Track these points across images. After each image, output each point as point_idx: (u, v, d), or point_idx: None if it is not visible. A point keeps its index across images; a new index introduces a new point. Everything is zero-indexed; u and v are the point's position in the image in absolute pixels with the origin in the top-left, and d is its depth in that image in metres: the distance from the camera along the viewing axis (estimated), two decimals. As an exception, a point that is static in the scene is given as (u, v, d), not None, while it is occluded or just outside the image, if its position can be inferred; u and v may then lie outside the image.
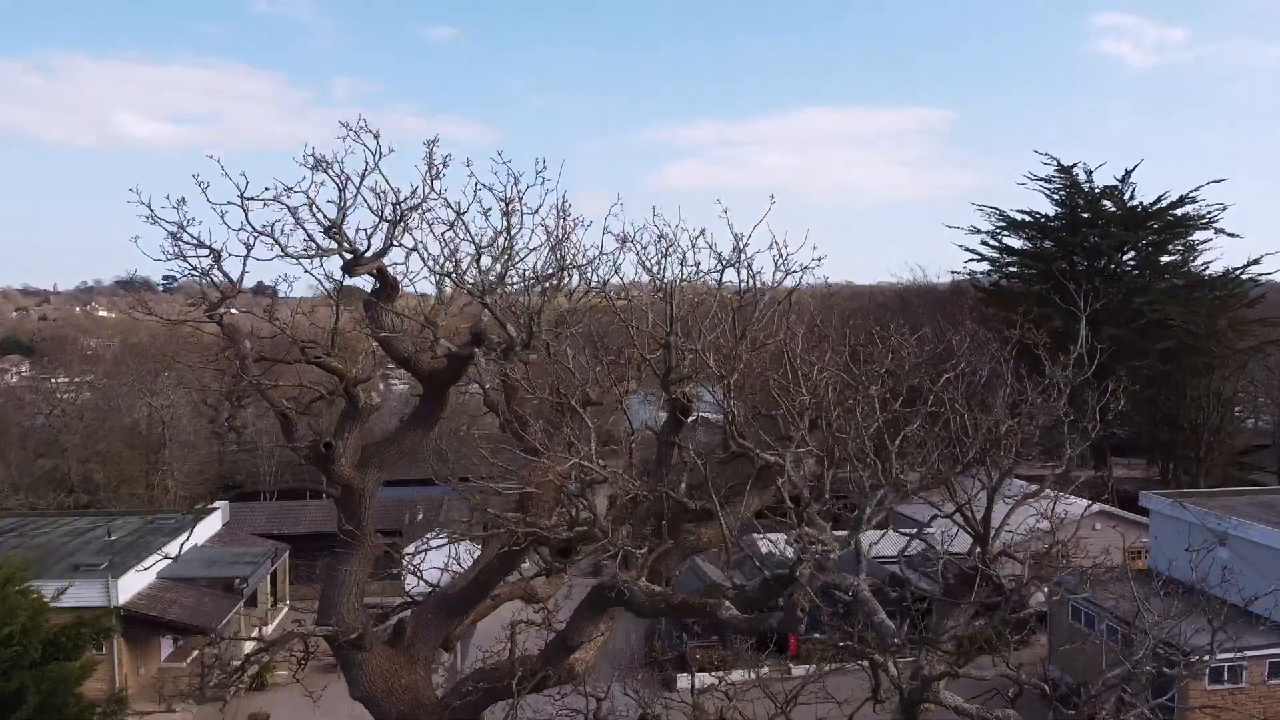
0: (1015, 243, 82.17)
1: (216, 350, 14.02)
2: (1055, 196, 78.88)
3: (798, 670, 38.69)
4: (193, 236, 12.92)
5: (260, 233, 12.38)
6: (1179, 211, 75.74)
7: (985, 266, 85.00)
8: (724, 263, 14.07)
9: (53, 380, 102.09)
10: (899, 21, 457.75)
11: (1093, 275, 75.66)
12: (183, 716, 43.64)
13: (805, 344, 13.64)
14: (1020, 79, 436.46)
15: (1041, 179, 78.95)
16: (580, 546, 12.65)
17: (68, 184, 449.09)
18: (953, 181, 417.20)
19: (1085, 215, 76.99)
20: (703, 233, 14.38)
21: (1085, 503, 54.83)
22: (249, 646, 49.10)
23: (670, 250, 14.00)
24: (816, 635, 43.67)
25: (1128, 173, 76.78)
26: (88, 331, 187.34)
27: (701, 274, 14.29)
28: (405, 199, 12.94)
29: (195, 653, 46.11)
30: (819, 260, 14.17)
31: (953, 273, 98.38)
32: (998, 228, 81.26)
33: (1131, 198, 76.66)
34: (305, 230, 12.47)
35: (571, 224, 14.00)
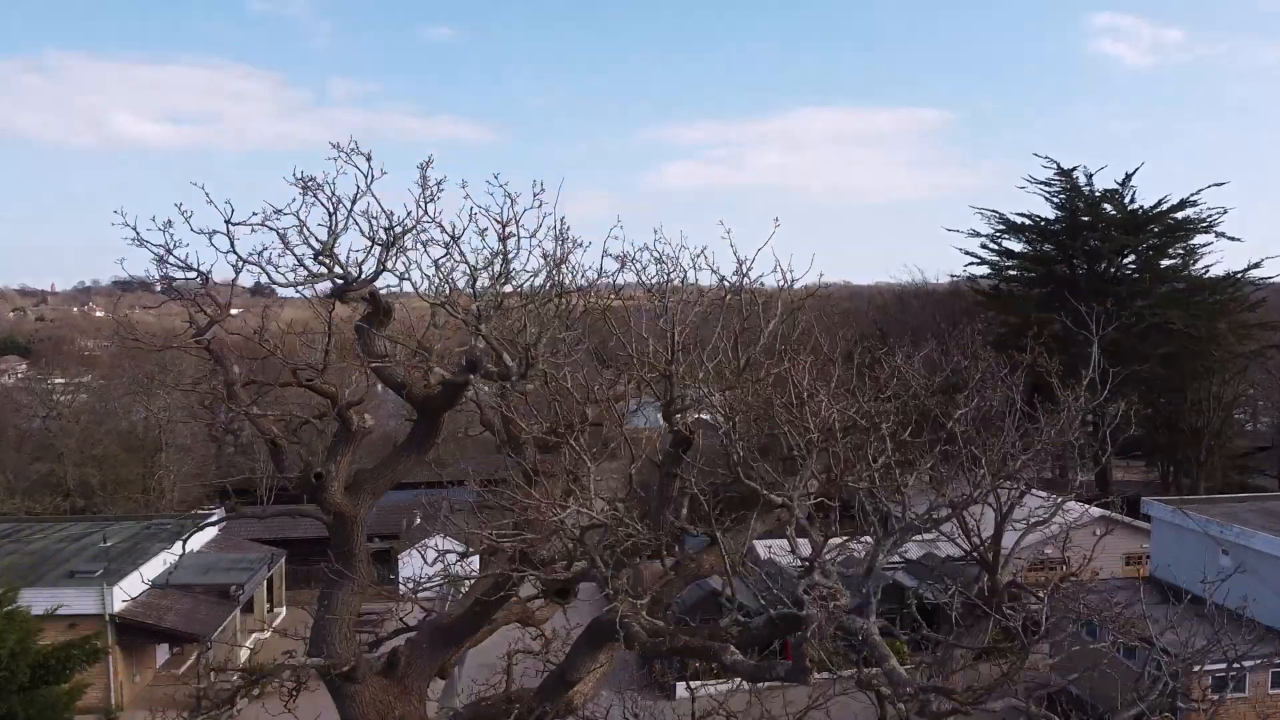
0: (1015, 246, 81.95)
1: (205, 373, 13.72)
2: (1055, 200, 78.65)
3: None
4: (179, 259, 12.65)
5: (247, 261, 12.10)
6: (1179, 215, 75.54)
7: (985, 270, 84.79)
8: (727, 289, 13.78)
9: (50, 381, 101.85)
10: (896, 22, 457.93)
11: (1093, 279, 75.50)
12: (177, 726, 43.31)
13: (810, 372, 13.30)
14: (1018, 79, 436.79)
15: (1041, 182, 78.79)
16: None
17: (65, 184, 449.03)
18: (951, 182, 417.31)
19: (1085, 219, 76.75)
20: (703, 251, 14.11)
21: (1086, 508, 54.58)
22: (245, 654, 49.00)
23: (670, 275, 13.71)
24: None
25: (1128, 176, 76.65)
26: (85, 332, 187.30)
27: (702, 301, 13.99)
28: (398, 223, 12.65)
29: (190, 660, 45.89)
30: (822, 284, 13.86)
31: (952, 276, 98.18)
32: (998, 231, 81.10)
33: (1132, 201, 76.47)
34: (295, 255, 12.19)
35: (570, 245, 13.72)
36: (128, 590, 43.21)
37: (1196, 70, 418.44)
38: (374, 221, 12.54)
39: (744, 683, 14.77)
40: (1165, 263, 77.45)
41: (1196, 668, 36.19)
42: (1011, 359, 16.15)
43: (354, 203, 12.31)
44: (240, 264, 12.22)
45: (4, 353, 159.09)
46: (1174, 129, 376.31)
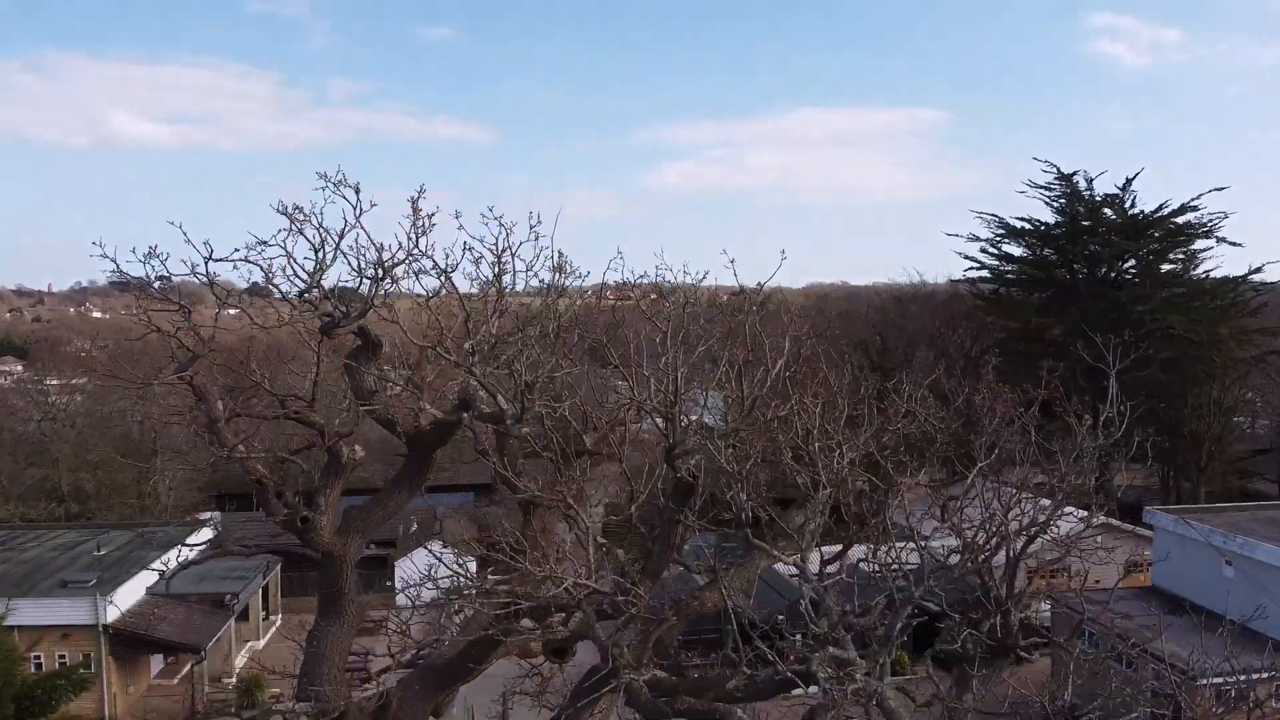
0: (1015, 250, 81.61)
1: (189, 408, 13.35)
2: (1055, 205, 78.34)
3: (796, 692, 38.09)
4: (160, 292, 12.26)
5: (227, 304, 11.71)
6: (1180, 220, 75.25)
7: (985, 274, 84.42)
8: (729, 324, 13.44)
9: (46, 383, 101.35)
10: (893, 22, 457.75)
11: (1093, 284, 75.19)
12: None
13: (816, 409, 12.93)
14: (1016, 79, 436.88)
15: (1041, 187, 78.45)
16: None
17: (63, 184, 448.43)
18: (949, 182, 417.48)
19: (1086, 224, 76.43)
20: (705, 276, 13.74)
21: (1087, 515, 53.96)
22: (241, 662, 48.66)
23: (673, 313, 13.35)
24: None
25: (1128, 181, 76.34)
26: (81, 333, 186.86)
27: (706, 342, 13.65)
28: (389, 257, 12.29)
29: (184, 670, 45.52)
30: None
31: (951, 279, 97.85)
32: (997, 235, 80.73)
33: (1132, 206, 76.18)
34: (279, 291, 11.82)
35: (567, 273, 13.34)
36: (121, 600, 42.87)
37: (1195, 70, 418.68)
38: (363, 256, 12.21)
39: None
40: (1166, 268, 77.19)
41: (1201, 681, 35.96)
42: (1026, 393, 15.82)
43: (341, 236, 11.97)
44: (224, 300, 11.85)
45: (1, 354, 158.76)
46: (1173, 129, 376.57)
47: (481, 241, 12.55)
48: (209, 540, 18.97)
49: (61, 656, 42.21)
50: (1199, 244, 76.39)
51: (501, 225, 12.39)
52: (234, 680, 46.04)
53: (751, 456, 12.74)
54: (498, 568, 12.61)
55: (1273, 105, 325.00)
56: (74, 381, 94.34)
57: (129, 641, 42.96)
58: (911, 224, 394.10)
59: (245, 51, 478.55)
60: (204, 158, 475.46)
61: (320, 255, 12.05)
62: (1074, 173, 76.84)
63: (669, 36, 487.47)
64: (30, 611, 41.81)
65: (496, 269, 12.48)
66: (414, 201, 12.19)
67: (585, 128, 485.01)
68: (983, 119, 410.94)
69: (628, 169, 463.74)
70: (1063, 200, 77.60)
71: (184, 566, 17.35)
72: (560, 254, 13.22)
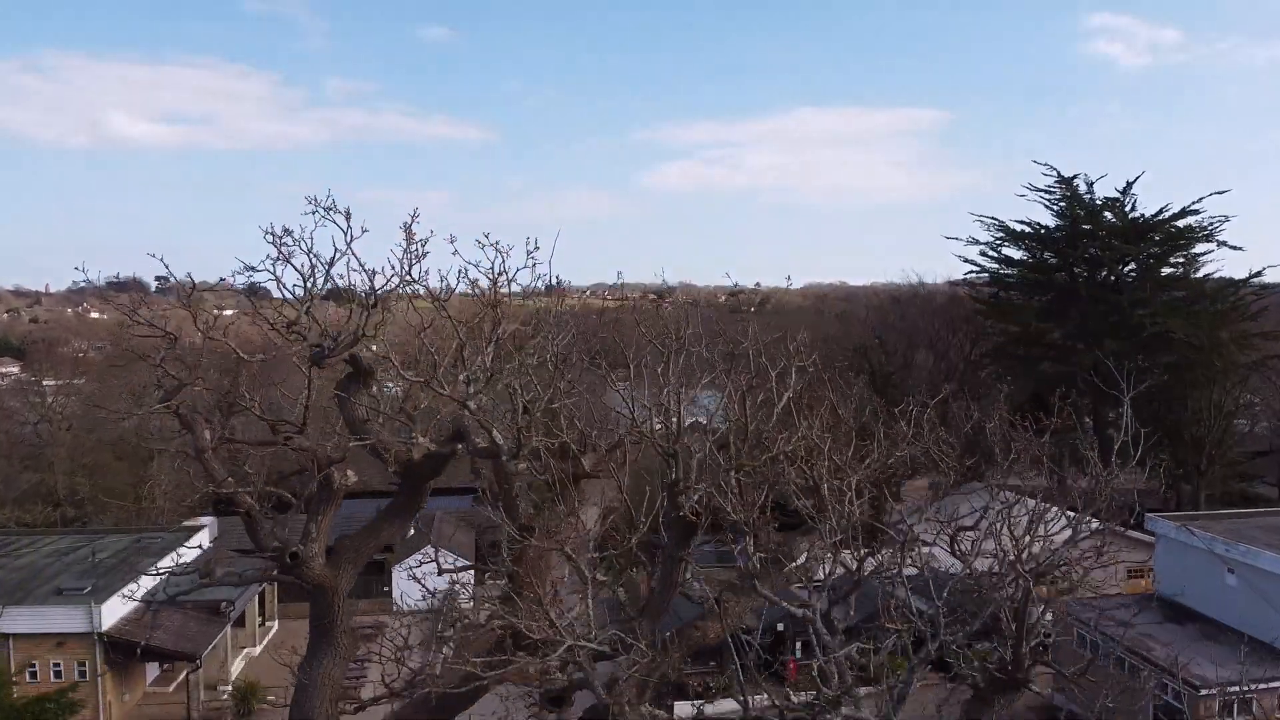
0: (1015, 253, 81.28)
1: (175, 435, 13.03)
2: (1055, 208, 78.01)
3: (797, 698, 37.80)
4: (145, 319, 11.97)
5: (210, 338, 11.43)
6: (1180, 223, 74.95)
7: (984, 277, 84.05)
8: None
9: (43, 384, 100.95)
10: (891, 22, 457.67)
11: (1093, 287, 74.86)
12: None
13: (822, 433, 12.66)
14: (1014, 80, 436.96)
15: (1041, 190, 78.12)
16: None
17: (61, 184, 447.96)
18: (947, 182, 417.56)
19: (1086, 227, 76.10)
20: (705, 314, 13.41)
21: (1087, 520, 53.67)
22: (237, 669, 48.37)
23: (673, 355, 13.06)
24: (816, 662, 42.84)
25: (1129, 184, 76.02)
26: (79, 334, 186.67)
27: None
28: (381, 285, 11.99)
29: (180, 678, 45.23)
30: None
31: (951, 282, 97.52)
32: (997, 239, 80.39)
33: (1133, 209, 75.85)
34: (268, 321, 11.50)
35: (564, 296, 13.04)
36: (116, 608, 42.54)
37: (1194, 71, 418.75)
38: (353, 286, 11.92)
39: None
40: (1166, 271, 76.88)
41: (1205, 691, 35.63)
42: (1038, 420, 15.57)
43: (331, 264, 11.69)
44: (208, 332, 11.56)
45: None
46: (1172, 129, 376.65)
47: (478, 266, 12.29)
48: (199, 570, 18.69)
49: (56, 665, 41.96)
50: (1199, 247, 76.15)
51: (498, 250, 12.12)
52: (230, 688, 45.75)
53: (757, 500, 12.48)
54: (493, 600, 12.30)
55: (1272, 105, 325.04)
56: (71, 382, 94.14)
57: (124, 649, 42.63)
58: (910, 224, 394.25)
59: (243, 51, 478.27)
60: (202, 158, 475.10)
61: (309, 285, 11.78)
62: (1074, 176, 76.64)
63: (667, 36, 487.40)
64: (25, 619, 41.56)
65: (493, 294, 12.19)
66: (407, 227, 11.91)
67: (584, 127, 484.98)
68: (981, 119, 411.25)
69: (626, 169, 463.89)
70: (1063, 203, 77.29)
71: (172, 599, 17.01)
72: (558, 280, 12.96)
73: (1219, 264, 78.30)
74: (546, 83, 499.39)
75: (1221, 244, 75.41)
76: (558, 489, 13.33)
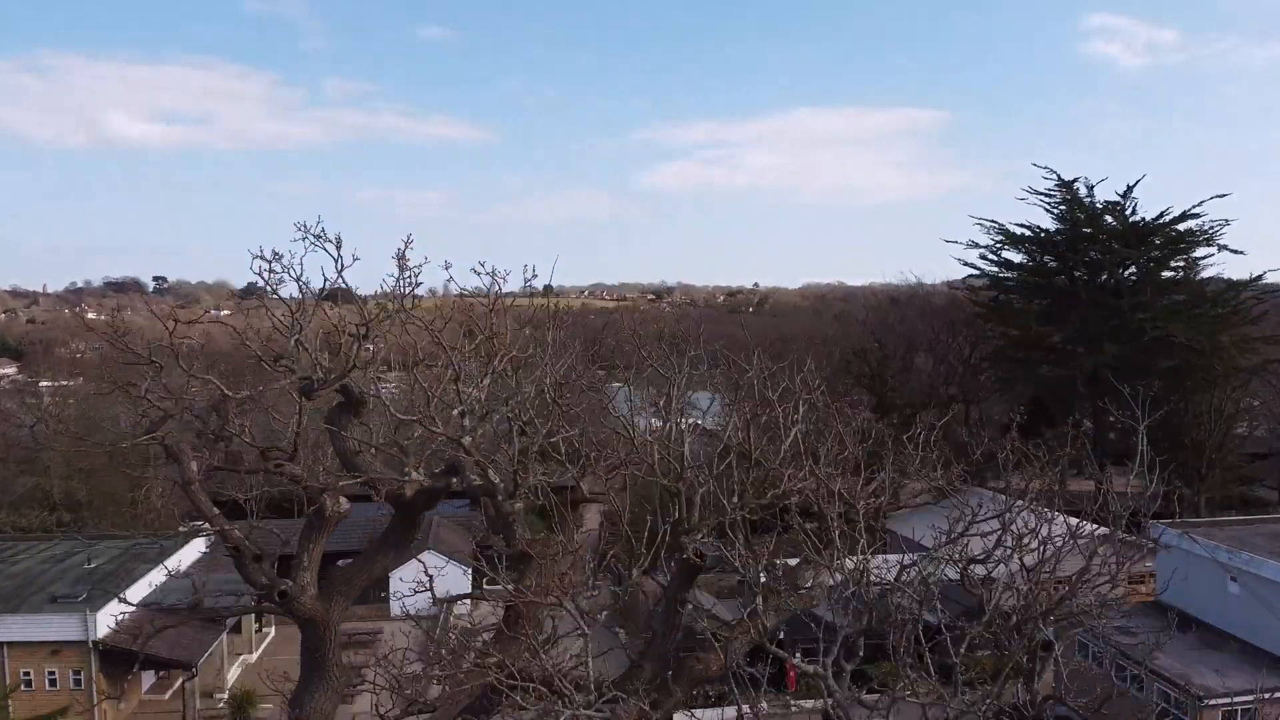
0: (1015, 257, 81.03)
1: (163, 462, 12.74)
2: (1056, 211, 77.75)
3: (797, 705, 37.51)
4: (130, 348, 11.69)
5: (193, 376, 11.15)
6: (1181, 227, 74.71)
7: (984, 281, 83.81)
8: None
9: (40, 384, 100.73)
10: (890, 22, 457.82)
11: (1094, 291, 74.60)
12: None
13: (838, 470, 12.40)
14: (1013, 80, 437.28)
15: (1042, 193, 77.84)
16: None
17: (58, 184, 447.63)
18: (945, 182, 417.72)
19: (1086, 230, 75.86)
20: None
21: (1088, 525, 53.36)
22: (233, 676, 48.06)
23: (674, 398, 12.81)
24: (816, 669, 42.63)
25: (1129, 188, 75.82)
26: (76, 334, 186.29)
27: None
28: (371, 314, 11.69)
29: (175, 686, 44.91)
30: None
31: (950, 285, 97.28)
32: (997, 242, 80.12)
33: (1133, 213, 75.61)
34: (256, 351, 11.21)
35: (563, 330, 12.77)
36: (111, 615, 42.22)
37: (1192, 71, 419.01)
38: (343, 318, 11.62)
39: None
40: (1166, 275, 76.65)
41: (1209, 701, 35.33)
42: (1045, 443, 15.31)
43: (321, 293, 11.38)
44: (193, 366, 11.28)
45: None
46: (1170, 129, 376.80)
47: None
48: (188, 602, 18.39)
49: (51, 673, 41.69)
50: (1200, 251, 75.95)
51: (494, 279, 11.84)
52: (226, 696, 45.45)
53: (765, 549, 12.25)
54: (488, 629, 12.04)
55: (1271, 105, 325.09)
56: (68, 384, 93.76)
57: (120, 658, 42.32)
58: (908, 224, 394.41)
59: (242, 52, 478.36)
60: (201, 158, 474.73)
61: (296, 321, 11.49)
62: (1075, 179, 76.41)
63: (665, 37, 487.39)
64: (20, 628, 41.32)
65: (489, 325, 11.92)
66: (400, 255, 11.63)
67: (582, 127, 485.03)
68: (980, 119, 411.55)
69: (625, 169, 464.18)
70: (1063, 207, 77.05)
71: (158, 631, 16.74)
72: (555, 307, 12.66)
73: (1220, 267, 77.86)
74: (545, 83, 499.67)
75: (1222, 248, 75.32)
76: (555, 516, 13.07)
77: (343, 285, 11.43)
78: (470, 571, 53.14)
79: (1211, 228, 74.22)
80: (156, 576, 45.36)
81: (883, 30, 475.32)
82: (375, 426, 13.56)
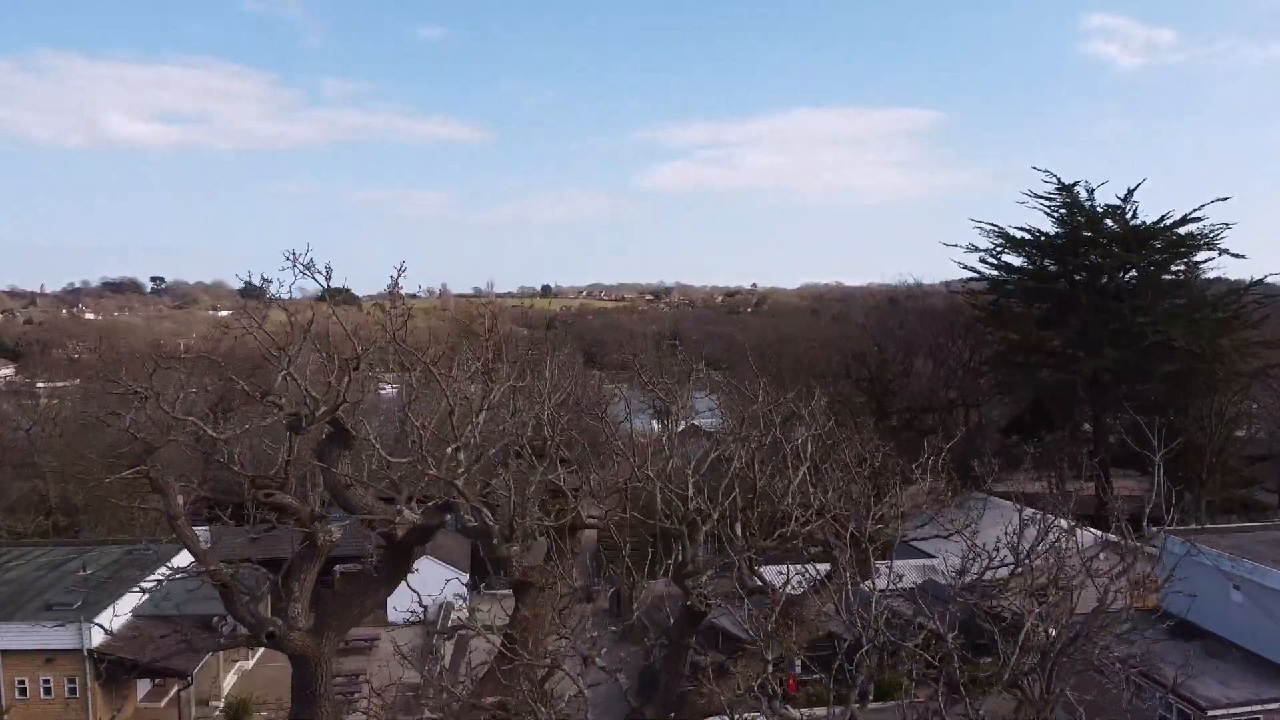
0: (1015, 260, 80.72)
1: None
2: (1056, 215, 77.41)
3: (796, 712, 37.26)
4: (117, 382, 11.40)
5: (176, 418, 10.86)
6: (1182, 230, 74.43)
7: (984, 284, 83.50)
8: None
9: (37, 385, 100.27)
10: (888, 22, 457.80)
11: (1094, 295, 74.32)
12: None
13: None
14: (1010, 80, 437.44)
15: (1042, 197, 77.49)
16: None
17: (56, 184, 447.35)
18: (943, 182, 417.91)
19: (1087, 234, 75.57)
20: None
21: (1090, 532, 53.17)
22: (229, 684, 47.72)
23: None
24: (817, 677, 42.43)
25: (1130, 191, 75.52)
26: (74, 335, 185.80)
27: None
28: (361, 349, 11.39)
29: (171, 694, 44.57)
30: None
31: (948, 287, 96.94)
32: (997, 246, 79.81)
33: (1134, 216, 75.32)
34: (243, 386, 10.93)
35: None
36: (106, 622, 41.90)
37: (1190, 71, 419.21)
38: (333, 349, 11.33)
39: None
40: (1167, 278, 76.36)
41: (1212, 712, 35.05)
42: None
43: (309, 329, 11.09)
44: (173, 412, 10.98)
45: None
46: (1169, 129, 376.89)
47: (470, 325, 11.72)
48: (178, 635, 18.11)
49: (46, 681, 41.39)
50: (1201, 255, 75.66)
51: (493, 316, 11.55)
52: (222, 704, 45.14)
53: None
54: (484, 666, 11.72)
55: (1269, 106, 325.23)
56: (64, 384, 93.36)
57: (114, 666, 42.00)
58: (907, 224, 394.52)
59: (239, 51, 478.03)
60: (199, 158, 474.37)
61: (284, 357, 11.19)
62: (1075, 183, 76.09)
63: (664, 37, 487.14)
64: (14, 636, 40.99)
65: (487, 360, 11.62)
66: (393, 284, 11.31)
67: (581, 127, 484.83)
68: (978, 119, 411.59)
69: (624, 169, 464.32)
70: (1063, 210, 76.73)
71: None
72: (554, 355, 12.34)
73: (1221, 269, 77.46)
74: (544, 83, 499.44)
75: (1223, 251, 74.99)
76: (554, 545, 12.79)
77: (334, 319, 11.11)
78: (468, 577, 52.81)
79: (1212, 231, 74.00)
80: (152, 583, 45.05)
81: (881, 30, 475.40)
82: (367, 456, 13.23)
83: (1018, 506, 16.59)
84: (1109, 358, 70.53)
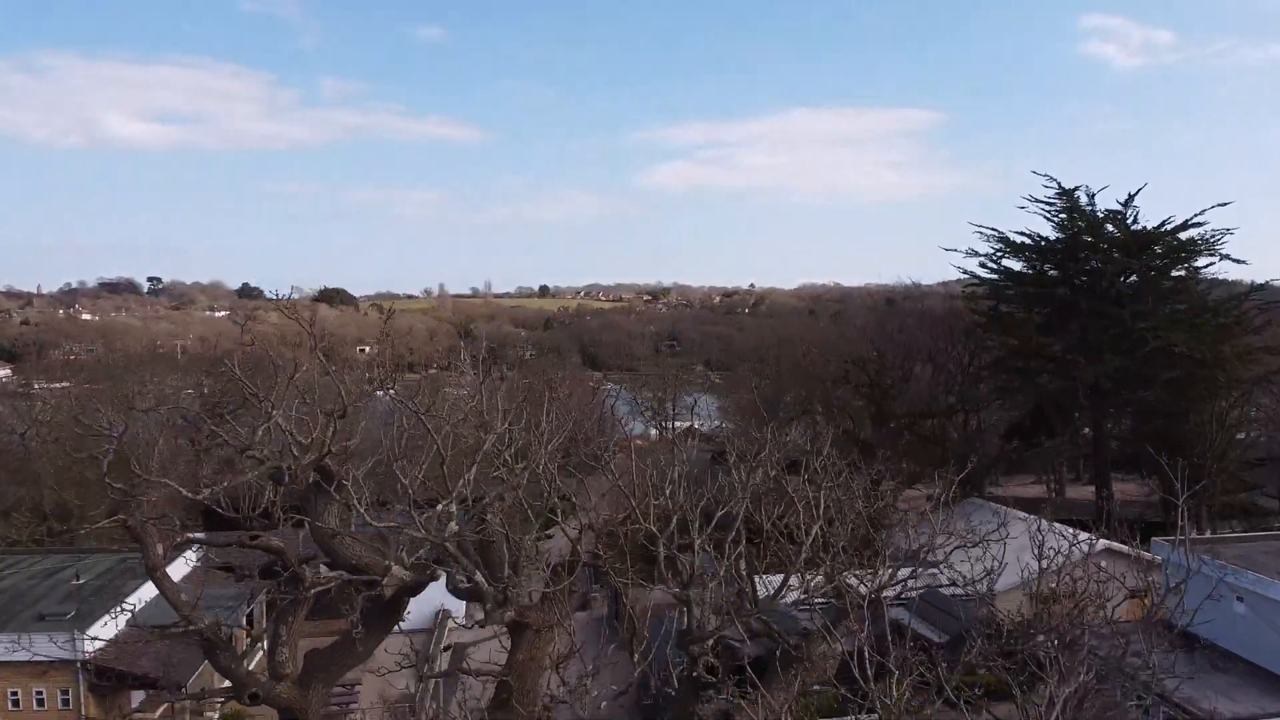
0: (1015, 265, 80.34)
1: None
2: (1056, 220, 77.02)
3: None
4: (107, 425, 11.05)
5: (148, 480, 10.51)
6: (1183, 235, 74.10)
7: (984, 290, 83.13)
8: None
9: (34, 387, 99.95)
10: (885, 22, 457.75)
11: (1094, 300, 73.98)
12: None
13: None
14: (1008, 80, 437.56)
15: (1041, 201, 77.09)
16: None
17: (53, 184, 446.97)
18: (941, 182, 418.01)
19: (1087, 239, 75.21)
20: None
21: (1092, 538, 52.75)
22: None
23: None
24: (817, 688, 42.13)
25: (1130, 196, 75.10)
26: (70, 336, 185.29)
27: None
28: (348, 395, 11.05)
29: (164, 706, 44.17)
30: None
31: (947, 290, 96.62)
32: (996, 250, 79.43)
33: (1134, 221, 74.96)
34: (228, 441, 10.59)
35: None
36: (100, 632, 41.53)
37: (1187, 71, 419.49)
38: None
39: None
40: (1168, 284, 76.02)
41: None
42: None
43: (291, 378, 10.76)
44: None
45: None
46: (1167, 130, 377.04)
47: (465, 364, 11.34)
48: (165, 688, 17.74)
49: (39, 692, 41.04)
50: (1202, 260, 75.28)
51: (493, 367, 11.20)
52: (217, 716, 44.75)
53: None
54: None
55: (1268, 106, 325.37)
56: (61, 386, 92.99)
57: (108, 677, 41.63)
58: (904, 224, 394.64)
59: (237, 51, 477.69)
60: (196, 158, 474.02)
61: (269, 415, 10.83)
62: (1075, 188, 75.63)
63: (661, 37, 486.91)
64: (6, 647, 40.58)
65: (482, 407, 11.27)
66: (383, 325, 11.00)
67: (578, 128, 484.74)
68: (975, 119, 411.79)
69: (621, 169, 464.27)
70: (1063, 215, 76.34)
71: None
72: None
73: (1223, 274, 76.92)
74: (541, 83, 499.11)
75: (1224, 257, 74.60)
76: (551, 586, 12.44)
77: (320, 361, 10.79)
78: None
79: (1214, 236, 73.62)
80: (146, 593, 44.69)
81: (879, 31, 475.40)
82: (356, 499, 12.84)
83: (1025, 516, 16.27)
84: (1110, 364, 70.21)
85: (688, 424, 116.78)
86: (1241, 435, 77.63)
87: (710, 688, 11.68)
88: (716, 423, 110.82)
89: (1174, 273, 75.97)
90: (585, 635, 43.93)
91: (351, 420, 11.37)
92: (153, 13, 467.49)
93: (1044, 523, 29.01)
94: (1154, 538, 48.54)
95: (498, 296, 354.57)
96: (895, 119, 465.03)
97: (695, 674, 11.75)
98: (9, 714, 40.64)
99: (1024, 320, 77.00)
